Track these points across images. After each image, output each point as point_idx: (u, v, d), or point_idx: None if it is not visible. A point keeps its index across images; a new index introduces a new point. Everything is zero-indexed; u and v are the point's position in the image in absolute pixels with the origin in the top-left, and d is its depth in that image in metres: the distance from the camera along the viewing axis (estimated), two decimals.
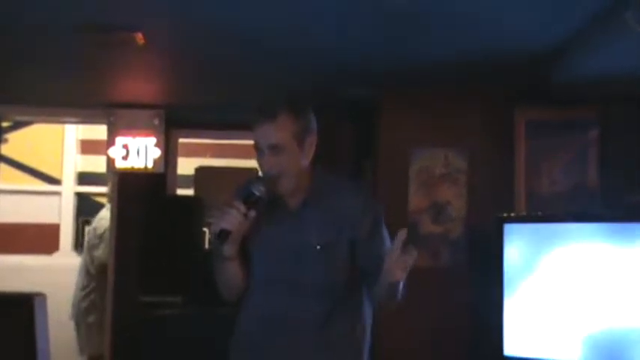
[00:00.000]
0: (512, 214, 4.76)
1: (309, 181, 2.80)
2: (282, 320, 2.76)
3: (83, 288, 6.71)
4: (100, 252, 6.52)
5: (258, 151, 2.73)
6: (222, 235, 2.64)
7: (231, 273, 2.80)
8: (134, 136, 6.02)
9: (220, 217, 2.65)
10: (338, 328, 2.79)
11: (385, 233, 2.81)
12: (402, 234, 2.47)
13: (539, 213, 4.82)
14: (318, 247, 2.74)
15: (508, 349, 4.48)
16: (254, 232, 2.74)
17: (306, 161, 2.77)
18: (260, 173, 2.82)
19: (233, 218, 2.64)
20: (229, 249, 2.71)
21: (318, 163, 2.84)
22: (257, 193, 2.69)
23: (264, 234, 2.78)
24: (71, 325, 6.78)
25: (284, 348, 2.76)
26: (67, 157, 8.32)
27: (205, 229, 7.23)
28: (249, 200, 2.68)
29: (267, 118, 2.68)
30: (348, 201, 2.80)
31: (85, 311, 6.68)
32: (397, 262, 2.48)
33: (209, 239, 7.42)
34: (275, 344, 2.77)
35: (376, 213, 2.83)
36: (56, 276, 7.36)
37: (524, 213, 4.86)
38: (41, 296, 5.00)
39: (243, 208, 2.65)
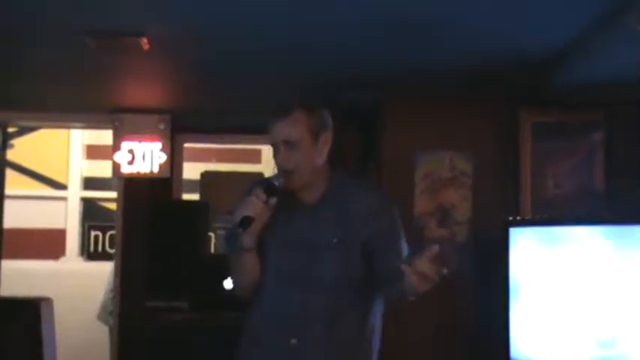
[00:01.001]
0: (518, 218, 4.75)
1: (325, 179, 2.84)
2: (294, 316, 2.78)
3: (111, 291, 6.75)
4: None
5: (274, 149, 2.78)
6: (244, 222, 2.68)
7: (248, 265, 2.81)
8: (140, 140, 6.02)
9: (242, 206, 2.70)
10: (349, 326, 2.81)
11: (402, 234, 2.86)
12: (435, 249, 2.44)
13: (545, 216, 4.81)
14: (332, 243, 2.77)
15: (515, 353, 4.48)
16: (270, 226, 2.77)
17: (320, 158, 2.81)
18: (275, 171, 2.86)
19: (254, 205, 2.70)
20: (248, 239, 2.74)
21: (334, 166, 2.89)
22: (276, 183, 2.75)
23: (280, 229, 2.80)
24: (77, 328, 6.80)
25: (295, 344, 2.77)
26: (72, 162, 8.34)
27: (211, 234, 7.25)
28: (269, 189, 2.74)
29: (282, 115, 2.74)
30: (363, 202, 2.84)
31: (109, 314, 6.70)
32: (420, 272, 2.43)
33: (215, 244, 7.46)
34: (286, 340, 2.77)
35: (392, 215, 2.87)
36: (62, 281, 7.39)
37: (529, 216, 4.86)
38: (47, 301, 5.03)
39: (263, 195, 2.70)
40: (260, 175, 6.80)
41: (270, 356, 2.82)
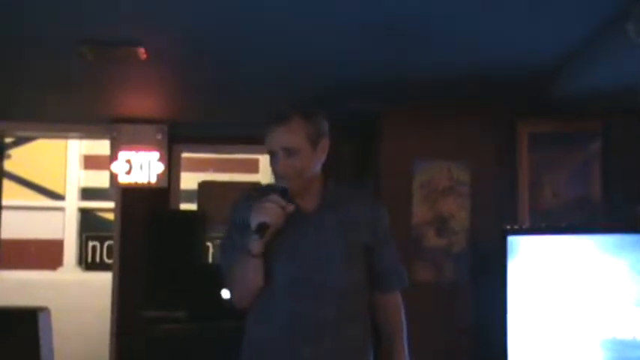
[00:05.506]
0: (516, 227, 4.75)
1: (321, 186, 2.83)
2: (307, 327, 2.74)
3: None
4: None
5: (271, 156, 2.75)
6: (261, 229, 2.62)
7: (253, 273, 2.74)
8: (137, 150, 6.03)
9: (259, 211, 2.65)
10: (358, 332, 2.82)
11: (392, 239, 2.93)
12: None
13: (543, 225, 4.81)
14: (339, 253, 2.76)
15: None
16: (276, 235, 2.72)
17: (319, 164, 2.80)
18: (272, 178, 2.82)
19: (273, 211, 2.65)
20: (258, 245, 2.68)
21: (327, 173, 2.87)
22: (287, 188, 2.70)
23: (284, 238, 2.75)
24: (75, 338, 6.78)
25: (307, 354, 2.73)
26: (70, 173, 8.33)
27: (209, 244, 7.24)
28: (286, 195, 2.68)
29: (280, 122, 2.71)
30: (361, 207, 2.84)
31: None
32: None
33: (213, 254, 7.45)
34: (299, 351, 2.73)
35: (386, 219, 2.90)
36: (60, 291, 7.37)
37: (527, 225, 4.86)
38: (45, 311, 5.02)
39: (282, 201, 2.66)
40: (258, 184, 6.80)
41: None
